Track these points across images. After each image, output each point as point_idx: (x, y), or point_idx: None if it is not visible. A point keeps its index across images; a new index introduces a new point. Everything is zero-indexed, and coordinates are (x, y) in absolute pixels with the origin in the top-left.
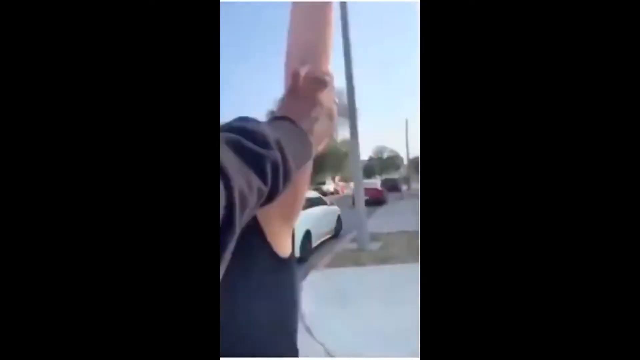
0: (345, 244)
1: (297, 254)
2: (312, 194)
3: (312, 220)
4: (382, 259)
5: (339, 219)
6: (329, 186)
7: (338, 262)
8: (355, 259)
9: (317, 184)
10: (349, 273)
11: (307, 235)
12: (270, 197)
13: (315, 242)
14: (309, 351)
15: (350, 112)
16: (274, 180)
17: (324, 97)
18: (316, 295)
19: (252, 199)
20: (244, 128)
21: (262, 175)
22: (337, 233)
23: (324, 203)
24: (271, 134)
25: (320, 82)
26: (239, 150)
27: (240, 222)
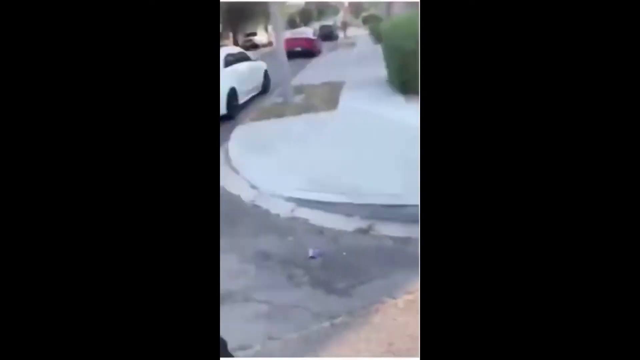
0: (273, 98)
1: (224, 111)
2: (235, 49)
3: (237, 77)
4: (304, 109)
5: (266, 75)
6: (262, 37)
7: (263, 115)
8: (279, 112)
9: (247, 35)
10: (271, 124)
11: (233, 92)
12: None
13: (242, 100)
14: (237, 187)
15: None
16: None
17: None
18: (241, 145)
19: None
20: None
21: None
22: (265, 89)
23: (248, 59)
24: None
25: None
26: None
27: None
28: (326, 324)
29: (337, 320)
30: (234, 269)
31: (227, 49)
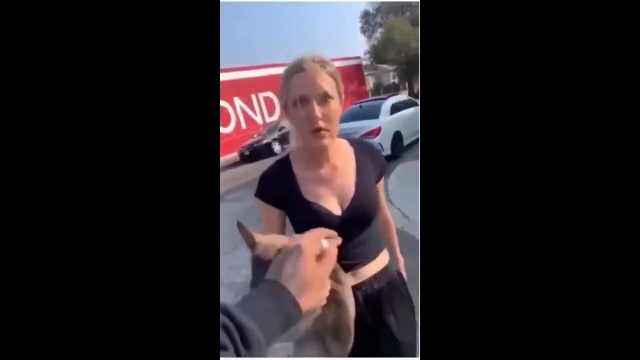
0: None
1: (389, 152)
2: (403, 97)
3: (402, 121)
4: None
5: None
6: None
7: None
8: None
9: None
10: None
11: (398, 135)
12: None
13: (407, 141)
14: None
15: None
16: (236, 351)
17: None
18: (399, 180)
19: None
20: (234, 325)
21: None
22: None
23: (415, 104)
24: (252, 333)
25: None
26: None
27: None
28: None
29: None
30: None
31: (394, 98)
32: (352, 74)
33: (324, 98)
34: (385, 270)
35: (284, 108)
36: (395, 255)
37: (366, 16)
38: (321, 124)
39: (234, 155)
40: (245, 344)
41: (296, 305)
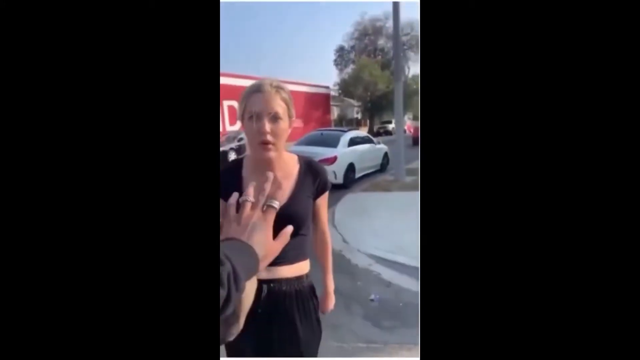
0: (386, 176)
1: (340, 181)
2: (362, 133)
3: (357, 155)
4: (411, 188)
5: (385, 156)
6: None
7: (372, 188)
8: (387, 187)
9: (382, 123)
10: (376, 196)
11: (351, 167)
12: (227, 301)
13: (359, 174)
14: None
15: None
16: (229, 287)
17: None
18: (345, 208)
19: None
20: None
21: (220, 284)
22: (382, 168)
23: (372, 142)
24: (220, 252)
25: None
26: None
27: None
28: (363, 345)
29: (374, 345)
30: None
31: (354, 132)
32: (320, 102)
33: (275, 117)
34: (298, 279)
35: (241, 120)
36: (324, 273)
37: (341, 50)
38: (269, 138)
39: None
40: (237, 287)
41: (257, 269)
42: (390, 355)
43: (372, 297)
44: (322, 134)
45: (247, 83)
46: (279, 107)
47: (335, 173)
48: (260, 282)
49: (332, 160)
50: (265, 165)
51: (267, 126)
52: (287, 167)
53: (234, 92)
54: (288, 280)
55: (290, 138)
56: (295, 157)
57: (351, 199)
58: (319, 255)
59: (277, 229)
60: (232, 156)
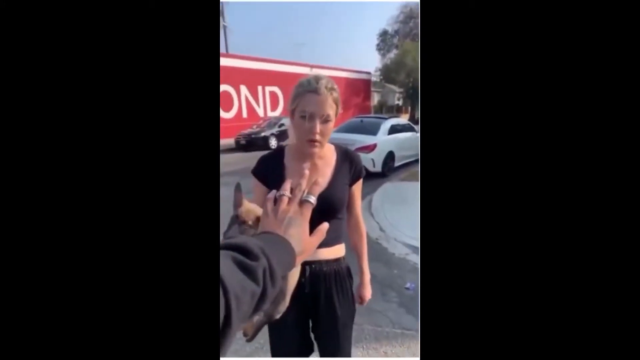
0: None
1: (379, 169)
2: (403, 121)
3: (397, 143)
4: None
5: None
6: None
7: (411, 177)
8: None
9: None
10: (415, 186)
11: (390, 155)
12: (262, 297)
13: (398, 163)
14: (369, 226)
15: None
16: (264, 283)
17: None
18: (383, 197)
19: (246, 300)
20: (236, 245)
21: (255, 280)
22: None
23: (412, 130)
24: (256, 246)
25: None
26: (235, 264)
27: (237, 321)
28: (398, 330)
29: (408, 331)
30: None
31: (395, 120)
32: (360, 88)
33: (326, 120)
34: (336, 261)
35: (291, 115)
36: (360, 261)
37: (384, 35)
38: (317, 137)
39: (230, 142)
40: (273, 283)
41: (293, 264)
42: None
43: (408, 285)
44: (362, 121)
45: (289, 69)
46: (331, 109)
47: (373, 161)
48: (304, 264)
49: (372, 148)
50: (308, 156)
51: (318, 127)
52: (325, 156)
53: (275, 78)
54: (328, 262)
55: None
56: (332, 147)
57: (389, 188)
58: (354, 242)
59: (316, 215)
60: (273, 141)
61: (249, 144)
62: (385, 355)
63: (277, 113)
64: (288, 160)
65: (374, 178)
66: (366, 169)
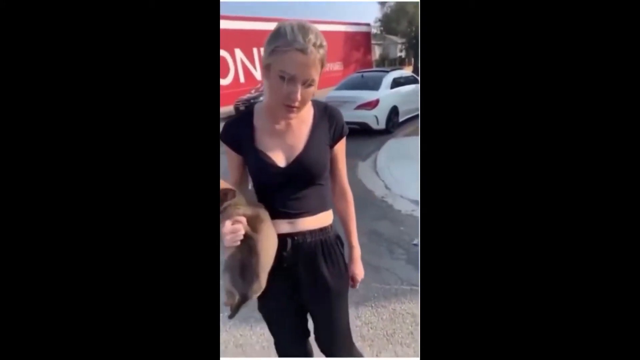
0: None
1: (383, 126)
2: (406, 73)
3: (401, 97)
4: None
5: None
6: None
7: (416, 132)
8: None
9: None
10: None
11: (394, 110)
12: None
13: (403, 117)
14: (375, 185)
15: None
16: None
17: None
18: (388, 155)
19: None
20: None
21: None
22: None
23: (417, 82)
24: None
25: None
26: None
27: None
28: (407, 287)
29: (416, 288)
30: None
31: (397, 72)
32: (360, 41)
33: (309, 83)
34: (323, 229)
35: (266, 68)
36: (348, 234)
37: None
38: (297, 103)
39: (230, 109)
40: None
41: None
42: None
43: (415, 241)
44: (362, 76)
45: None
46: (316, 72)
47: (377, 118)
48: (285, 236)
49: (374, 104)
50: (282, 118)
51: (299, 93)
52: (301, 114)
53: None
54: (312, 233)
55: (329, 83)
56: (310, 102)
57: (394, 145)
58: (340, 212)
59: (295, 180)
60: None
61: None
62: (394, 312)
63: None
64: (258, 120)
65: (378, 136)
66: (370, 127)
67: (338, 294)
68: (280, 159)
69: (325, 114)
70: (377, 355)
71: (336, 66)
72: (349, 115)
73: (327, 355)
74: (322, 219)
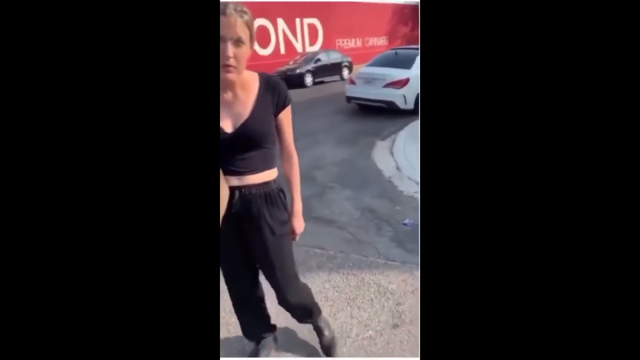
0: None
1: (411, 106)
2: None
3: None
4: None
5: None
6: None
7: None
8: None
9: None
10: None
11: None
12: None
13: None
14: (386, 165)
15: None
16: None
17: None
18: (408, 136)
19: None
20: None
21: None
22: None
23: None
24: None
25: None
26: None
27: None
28: (382, 261)
29: (391, 263)
30: (347, 211)
31: None
32: (407, 15)
33: (237, 42)
34: (267, 184)
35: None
36: (292, 193)
37: None
38: (231, 62)
39: None
40: None
41: None
42: (390, 269)
43: (406, 221)
44: (396, 53)
45: None
46: (242, 32)
47: (405, 97)
48: (234, 189)
49: (403, 83)
50: (227, 84)
51: (230, 50)
52: (247, 85)
53: (313, 8)
54: (257, 186)
55: (366, 59)
56: (256, 75)
57: (416, 127)
58: (286, 172)
59: (241, 144)
60: (309, 79)
61: (285, 81)
62: (362, 281)
63: (316, 48)
64: None
65: (403, 116)
66: (397, 107)
67: (280, 236)
68: (227, 126)
69: (269, 86)
70: (334, 315)
71: (381, 41)
72: (377, 93)
73: (273, 287)
74: (266, 175)
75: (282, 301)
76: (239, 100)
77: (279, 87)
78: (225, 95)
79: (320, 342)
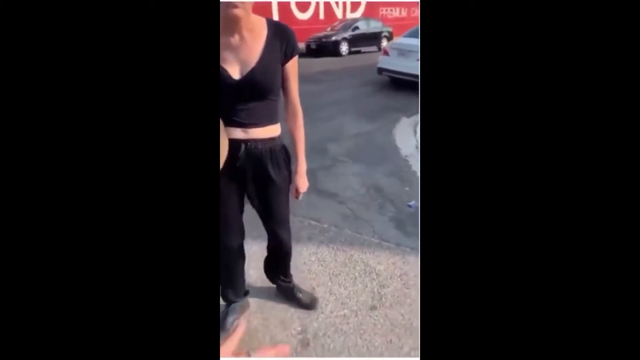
0: None
1: None
2: None
3: None
4: None
5: None
6: None
7: None
8: None
9: None
10: None
11: None
12: None
13: None
14: (407, 144)
15: None
16: None
17: None
18: None
19: None
20: None
21: None
22: None
23: None
24: None
25: None
26: None
27: None
28: (376, 240)
29: (384, 243)
30: (352, 186)
31: None
32: None
33: None
34: (271, 140)
35: None
36: (296, 150)
37: None
38: None
39: (301, 46)
40: None
41: None
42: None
43: (412, 203)
44: None
45: None
46: None
47: None
48: (239, 142)
49: None
50: (233, 25)
51: None
52: (255, 29)
53: None
54: (263, 141)
55: (403, 30)
56: (264, 20)
57: None
58: (290, 128)
59: (247, 92)
60: (344, 47)
61: (319, 49)
62: (350, 258)
63: (358, 14)
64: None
65: None
66: None
67: (280, 189)
68: (234, 72)
69: (278, 32)
70: (313, 289)
71: (418, 11)
72: (410, 66)
73: (268, 231)
74: (271, 130)
75: (273, 239)
76: (246, 44)
77: (287, 33)
78: (232, 39)
79: (299, 301)
